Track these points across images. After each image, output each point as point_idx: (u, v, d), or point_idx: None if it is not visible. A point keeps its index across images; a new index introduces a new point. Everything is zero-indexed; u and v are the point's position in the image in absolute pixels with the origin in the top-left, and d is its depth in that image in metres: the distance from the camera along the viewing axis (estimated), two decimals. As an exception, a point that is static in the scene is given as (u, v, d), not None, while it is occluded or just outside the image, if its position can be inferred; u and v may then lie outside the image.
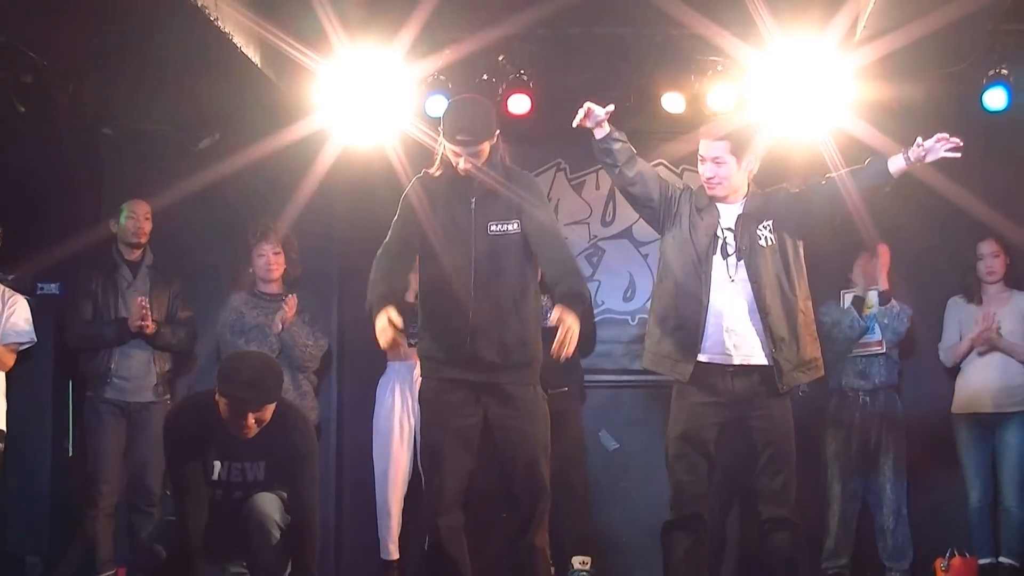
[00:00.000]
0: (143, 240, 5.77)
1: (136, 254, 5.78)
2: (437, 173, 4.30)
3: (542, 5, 5.31)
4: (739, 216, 4.46)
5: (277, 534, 4.20)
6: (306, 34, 5.29)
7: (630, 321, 6.42)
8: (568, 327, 3.99)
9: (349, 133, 5.72)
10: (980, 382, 5.72)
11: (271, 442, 4.21)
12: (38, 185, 5.82)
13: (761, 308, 4.37)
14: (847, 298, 5.88)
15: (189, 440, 4.19)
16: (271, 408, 4.13)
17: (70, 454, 5.82)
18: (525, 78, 5.92)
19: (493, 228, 4.22)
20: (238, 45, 5.17)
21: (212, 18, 4.88)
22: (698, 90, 5.91)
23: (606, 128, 4.42)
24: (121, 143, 6.40)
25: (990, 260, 5.79)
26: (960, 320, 5.85)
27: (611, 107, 4.36)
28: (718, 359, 4.40)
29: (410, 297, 5.00)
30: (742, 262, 4.40)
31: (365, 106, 5.57)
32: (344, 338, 6.31)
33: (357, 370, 6.27)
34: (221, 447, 4.21)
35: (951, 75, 5.65)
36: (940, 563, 5.69)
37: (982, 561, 5.67)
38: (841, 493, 5.78)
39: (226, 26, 5.02)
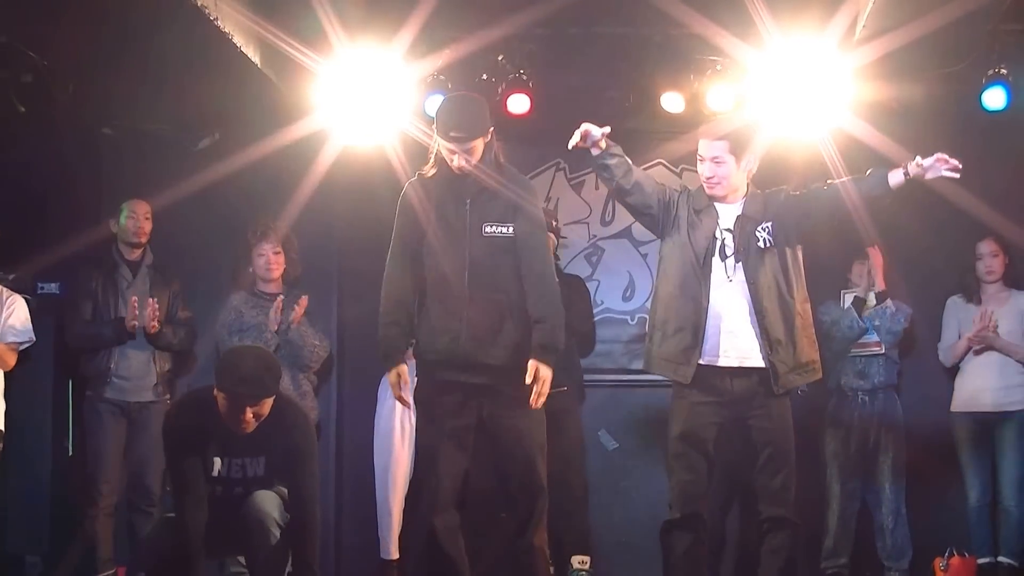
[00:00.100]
0: (143, 240, 5.77)
1: (136, 254, 5.78)
2: (431, 172, 4.30)
3: (541, 5, 5.31)
4: (738, 217, 4.45)
5: (276, 532, 4.22)
6: (306, 34, 5.29)
7: (629, 321, 6.43)
8: (543, 382, 4.15)
9: (349, 133, 5.72)
10: (979, 381, 5.73)
11: (271, 438, 4.22)
12: (38, 185, 5.83)
13: (758, 310, 4.36)
14: (847, 298, 5.88)
15: (188, 436, 4.20)
16: (269, 403, 4.15)
17: (70, 454, 5.82)
18: (524, 78, 5.92)
19: (488, 229, 4.22)
20: (238, 45, 5.18)
21: (212, 18, 4.88)
22: (697, 90, 5.91)
23: (602, 145, 4.41)
24: (121, 143, 6.41)
25: (989, 260, 5.80)
26: (959, 320, 5.85)
27: (607, 129, 4.35)
28: (717, 361, 4.40)
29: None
30: (740, 263, 4.40)
31: (365, 106, 5.57)
32: (344, 338, 6.32)
33: (357, 370, 6.27)
34: (221, 443, 4.22)
35: (950, 75, 5.66)
36: (939, 562, 5.71)
37: (981, 560, 5.68)
38: (840, 493, 5.78)
39: (226, 26, 5.02)
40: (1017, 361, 5.70)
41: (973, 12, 4.85)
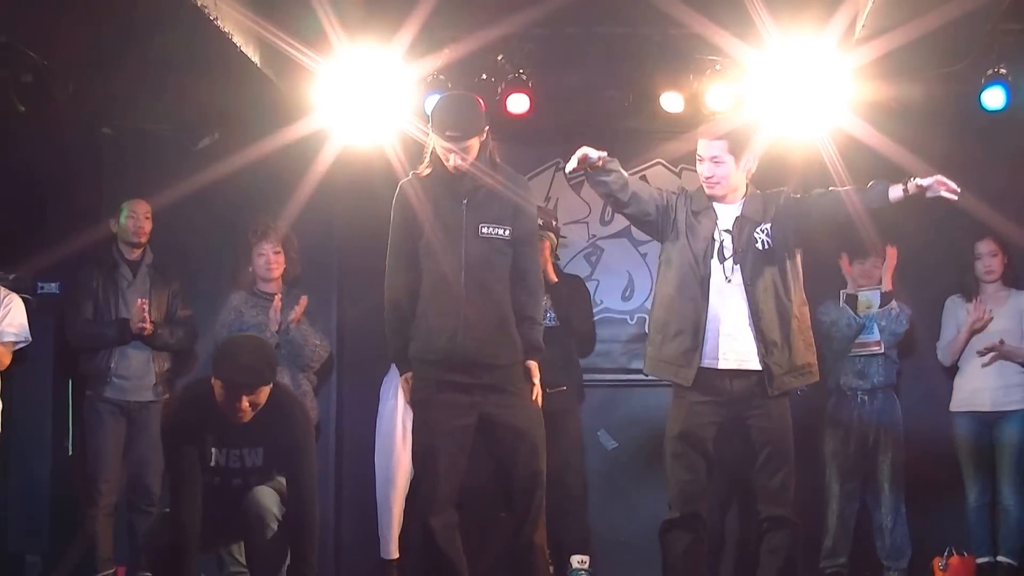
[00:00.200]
0: (143, 239, 5.77)
1: (136, 253, 5.78)
2: (426, 172, 4.30)
3: (541, 5, 5.31)
4: (737, 218, 4.45)
5: (275, 526, 4.24)
6: (306, 34, 5.29)
7: (629, 320, 6.43)
8: (535, 376, 4.32)
9: (349, 132, 5.73)
10: (978, 381, 5.73)
11: (269, 428, 4.24)
12: (38, 184, 5.83)
13: (754, 312, 4.36)
14: (844, 297, 5.88)
15: (186, 426, 4.23)
16: (266, 391, 4.17)
17: (70, 453, 5.83)
18: (524, 77, 5.93)
19: (484, 230, 4.22)
20: (238, 45, 5.18)
21: (212, 18, 4.88)
22: (697, 89, 5.91)
23: (599, 165, 4.41)
24: (121, 142, 6.42)
25: (988, 259, 5.80)
26: (958, 319, 5.85)
27: (604, 153, 4.35)
28: (717, 364, 4.39)
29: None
30: (738, 265, 4.39)
31: (365, 106, 5.58)
32: (344, 337, 6.32)
33: (357, 369, 6.28)
34: (219, 433, 4.25)
35: (950, 74, 5.65)
36: (938, 562, 5.71)
37: (980, 560, 5.69)
38: (839, 492, 5.78)
39: (226, 26, 5.02)
40: (1017, 362, 5.70)
41: (972, 12, 4.84)
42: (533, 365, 4.31)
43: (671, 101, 5.99)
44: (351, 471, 6.28)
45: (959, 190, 4.24)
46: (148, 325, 5.54)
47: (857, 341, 5.79)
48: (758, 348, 4.36)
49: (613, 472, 6.27)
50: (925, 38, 4.90)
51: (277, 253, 5.72)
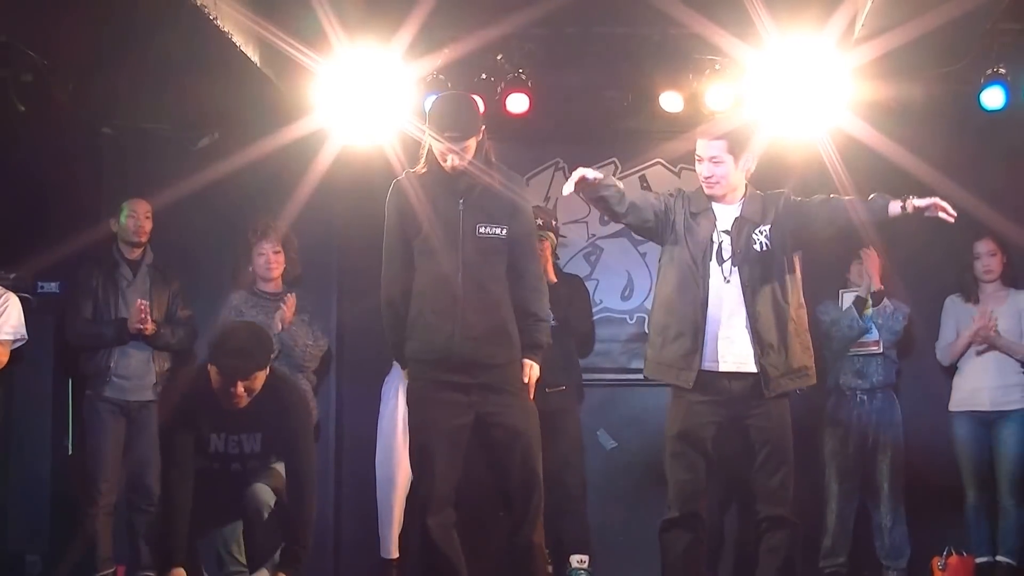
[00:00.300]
0: (143, 239, 5.78)
1: (136, 253, 5.79)
2: (423, 171, 4.30)
3: (540, 4, 5.32)
4: (736, 219, 4.43)
5: (266, 514, 4.30)
6: (305, 33, 5.30)
7: (628, 320, 6.44)
8: (533, 376, 4.32)
9: (348, 132, 5.74)
10: (978, 380, 5.73)
11: (266, 414, 4.28)
12: (38, 184, 5.83)
13: (751, 313, 4.35)
14: (846, 298, 5.87)
15: (182, 413, 4.26)
16: (261, 377, 4.20)
17: (70, 452, 5.83)
18: (524, 77, 5.94)
19: (481, 230, 4.22)
20: (237, 44, 5.19)
21: (211, 17, 4.89)
22: (696, 89, 5.92)
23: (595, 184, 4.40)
24: (121, 142, 6.43)
25: (987, 259, 5.80)
26: (957, 319, 5.85)
27: (600, 174, 4.35)
28: (717, 367, 4.39)
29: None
30: (737, 267, 4.39)
31: (364, 105, 5.58)
32: (344, 337, 6.33)
33: (356, 368, 6.28)
34: (217, 420, 4.28)
35: (949, 74, 5.66)
36: (937, 562, 5.71)
37: (979, 560, 5.69)
38: (839, 492, 5.79)
39: (225, 25, 5.03)
40: (1016, 360, 5.70)
41: (971, 11, 4.85)
42: (528, 363, 4.29)
43: (670, 101, 6.00)
44: (351, 471, 6.28)
45: (956, 214, 4.25)
46: (150, 325, 5.54)
47: (857, 341, 5.79)
48: (754, 350, 4.35)
49: (612, 472, 6.28)
50: (924, 38, 4.91)
51: (277, 253, 5.73)
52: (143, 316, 5.53)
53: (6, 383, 5.34)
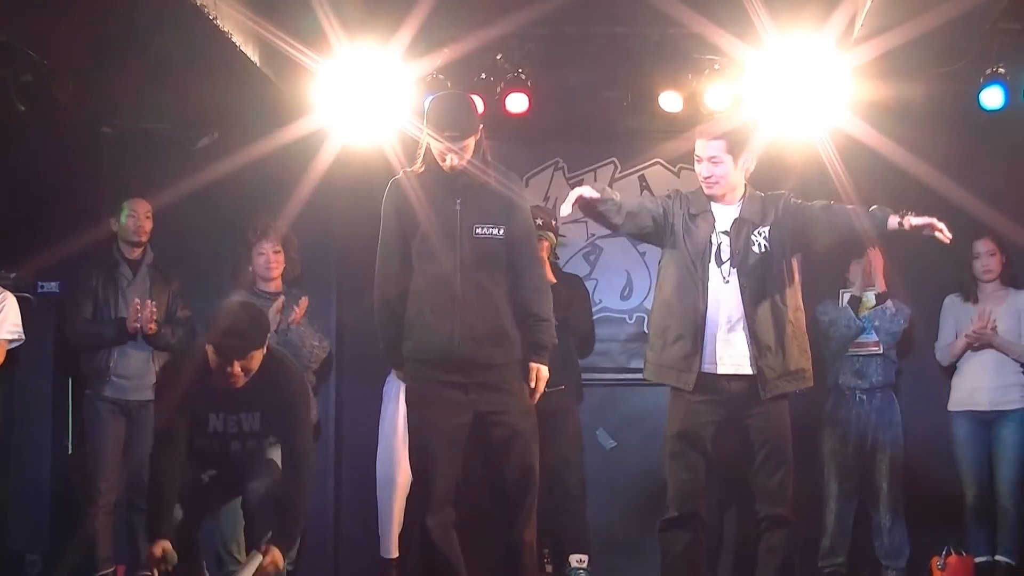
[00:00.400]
0: (143, 239, 5.78)
1: (136, 252, 5.79)
2: (420, 170, 4.30)
3: (540, 4, 5.32)
4: (735, 220, 4.43)
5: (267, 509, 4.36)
6: (305, 33, 5.30)
7: (627, 320, 6.44)
8: (543, 381, 4.32)
9: (348, 132, 5.74)
10: (977, 380, 5.73)
11: (264, 393, 4.30)
12: (39, 184, 5.84)
13: (749, 315, 4.36)
14: (845, 297, 5.87)
15: (177, 390, 4.27)
16: (258, 356, 4.22)
17: (70, 452, 5.84)
18: (523, 77, 5.94)
19: (479, 231, 4.22)
20: (237, 44, 5.19)
21: (211, 17, 4.89)
22: (695, 89, 5.92)
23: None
24: (121, 142, 6.43)
25: (986, 259, 5.80)
26: (956, 319, 5.85)
27: (596, 193, 4.35)
28: (716, 369, 4.39)
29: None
30: (735, 268, 4.39)
31: (364, 105, 5.58)
32: (344, 337, 6.33)
33: (356, 368, 6.29)
34: (215, 399, 4.31)
35: (948, 74, 5.67)
36: (936, 561, 5.70)
37: (978, 559, 5.68)
38: (838, 491, 5.79)
39: (225, 25, 5.03)
40: (1015, 360, 5.71)
41: (971, 11, 4.85)
42: (535, 367, 4.29)
43: (670, 100, 6.00)
44: (351, 470, 6.29)
45: (951, 236, 4.26)
46: (152, 325, 5.55)
47: (855, 341, 5.79)
48: (751, 351, 4.35)
49: (612, 471, 6.28)
50: (924, 37, 4.91)
51: (277, 252, 5.73)
52: (147, 314, 5.52)
53: (6, 383, 5.34)
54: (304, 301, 5.62)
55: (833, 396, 5.85)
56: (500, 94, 5.94)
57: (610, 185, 6.38)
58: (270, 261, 5.72)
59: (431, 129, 4.18)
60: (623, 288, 6.46)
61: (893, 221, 4.27)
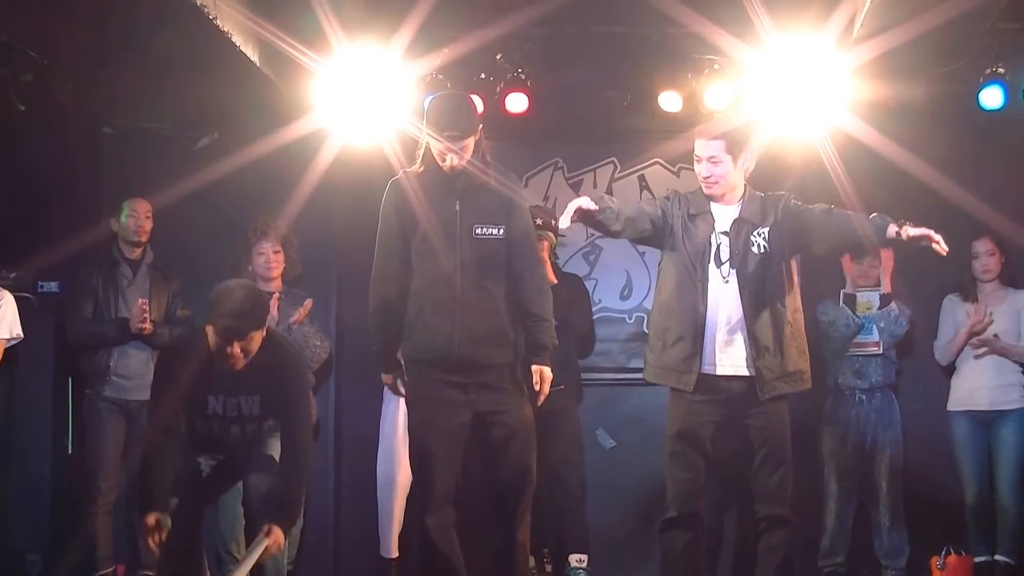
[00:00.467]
0: (144, 238, 5.78)
1: (137, 252, 5.79)
2: (420, 170, 4.30)
3: (540, 4, 5.33)
4: (735, 221, 4.44)
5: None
6: (305, 33, 5.31)
7: (627, 319, 6.44)
8: (546, 382, 4.30)
9: (348, 132, 5.75)
10: (976, 380, 5.73)
11: (264, 376, 4.30)
12: (39, 184, 5.84)
13: (748, 316, 4.36)
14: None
15: (176, 370, 4.28)
16: (258, 338, 4.22)
17: (70, 452, 5.84)
18: (523, 77, 5.94)
19: (479, 231, 4.22)
20: (237, 44, 5.19)
21: (211, 17, 4.90)
22: (695, 89, 5.92)
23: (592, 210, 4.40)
24: (121, 142, 6.43)
25: (985, 258, 5.80)
26: (955, 318, 5.85)
27: (594, 205, 4.35)
28: (715, 371, 4.39)
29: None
30: (734, 269, 4.39)
31: (364, 105, 5.59)
32: (343, 337, 6.33)
33: (356, 368, 6.28)
34: (214, 382, 4.30)
35: (948, 74, 5.67)
36: (936, 561, 5.71)
37: (978, 559, 5.68)
38: (837, 491, 5.79)
39: (225, 25, 5.04)
40: (1014, 361, 5.71)
41: (970, 11, 4.85)
42: (537, 369, 4.28)
43: (669, 100, 6.00)
44: (350, 470, 6.29)
45: (947, 249, 4.26)
46: (148, 325, 5.55)
47: (855, 341, 5.79)
48: (749, 352, 4.35)
49: (611, 471, 6.27)
50: (923, 37, 4.91)
51: (277, 252, 5.73)
52: (143, 316, 5.53)
53: (6, 383, 5.34)
54: (308, 303, 5.62)
55: (833, 396, 5.85)
56: (500, 94, 5.94)
57: (610, 185, 6.43)
58: (270, 261, 5.71)
59: (432, 129, 4.18)
60: (623, 288, 6.46)
61: (891, 230, 4.28)
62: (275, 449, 4.50)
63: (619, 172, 6.44)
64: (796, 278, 4.48)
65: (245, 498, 4.52)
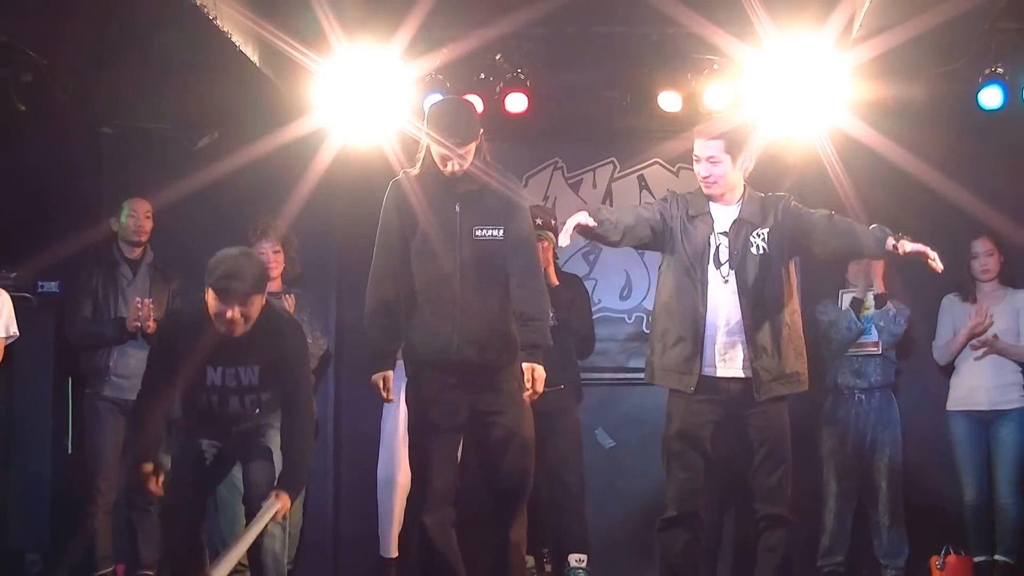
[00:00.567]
0: (144, 238, 5.78)
1: (136, 252, 5.79)
2: (420, 172, 4.30)
3: (539, 4, 5.33)
4: (734, 221, 4.43)
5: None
6: (304, 33, 5.32)
7: (627, 319, 6.44)
8: (539, 380, 4.28)
9: (347, 132, 5.75)
10: (975, 379, 5.74)
11: (263, 345, 4.29)
12: (39, 184, 5.85)
13: (746, 317, 4.36)
14: (846, 298, 5.87)
15: (173, 342, 4.28)
16: (257, 304, 4.20)
17: (70, 451, 5.85)
18: (522, 77, 5.95)
19: (479, 232, 4.22)
20: (237, 44, 5.20)
21: (211, 17, 4.90)
22: (694, 89, 5.93)
23: (591, 224, 4.40)
24: (121, 142, 6.44)
25: (984, 258, 5.80)
26: (954, 318, 5.85)
27: (592, 220, 4.34)
28: (716, 372, 4.38)
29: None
30: (734, 270, 4.39)
31: (363, 105, 5.60)
32: (342, 337, 6.33)
33: (355, 368, 6.26)
34: (214, 352, 4.27)
35: (947, 73, 5.67)
36: (935, 561, 5.71)
37: (977, 559, 5.69)
38: (837, 491, 5.79)
39: (225, 25, 5.04)
40: (1013, 360, 5.71)
41: (970, 11, 4.86)
42: (530, 368, 4.27)
43: (669, 100, 6.00)
44: (350, 470, 6.29)
45: (943, 267, 4.27)
46: (151, 323, 5.55)
47: (855, 342, 5.79)
48: (747, 353, 4.35)
49: (611, 471, 6.28)
50: (922, 37, 4.92)
51: (276, 252, 5.73)
52: (144, 313, 5.53)
53: (6, 382, 5.35)
54: (290, 299, 5.59)
55: (832, 396, 5.86)
56: (499, 94, 5.94)
57: (609, 185, 6.44)
58: (270, 261, 5.70)
59: (434, 134, 4.18)
60: (622, 288, 6.47)
61: (889, 243, 4.29)
62: (274, 442, 4.50)
63: (619, 172, 6.45)
64: (795, 280, 4.48)
65: (246, 497, 4.51)
